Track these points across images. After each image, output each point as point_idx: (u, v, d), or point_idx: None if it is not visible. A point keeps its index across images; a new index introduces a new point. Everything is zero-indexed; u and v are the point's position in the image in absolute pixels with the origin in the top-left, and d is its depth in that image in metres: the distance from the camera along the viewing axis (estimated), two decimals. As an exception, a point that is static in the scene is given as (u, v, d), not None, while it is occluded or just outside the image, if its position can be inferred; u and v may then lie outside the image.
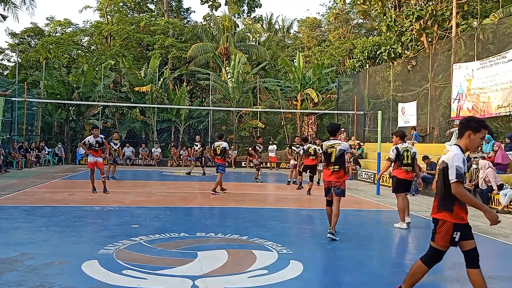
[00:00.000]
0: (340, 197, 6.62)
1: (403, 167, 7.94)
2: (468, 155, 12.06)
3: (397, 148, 7.96)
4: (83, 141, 11.99)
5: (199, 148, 17.96)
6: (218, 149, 11.76)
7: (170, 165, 23.47)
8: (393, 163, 8.08)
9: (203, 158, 18.50)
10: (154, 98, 25.33)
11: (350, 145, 19.33)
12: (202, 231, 6.85)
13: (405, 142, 8.21)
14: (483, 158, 11.23)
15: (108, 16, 35.93)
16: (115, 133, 16.60)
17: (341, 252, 5.94)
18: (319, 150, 11.33)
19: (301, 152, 13.33)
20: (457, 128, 16.23)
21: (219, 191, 11.88)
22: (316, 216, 9.17)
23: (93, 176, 11.35)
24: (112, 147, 15.00)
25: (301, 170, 13.40)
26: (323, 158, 7.02)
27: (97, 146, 11.35)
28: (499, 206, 10.01)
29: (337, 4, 29.17)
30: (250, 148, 17.46)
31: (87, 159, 12.66)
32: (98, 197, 10.46)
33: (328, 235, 6.56)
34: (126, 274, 4.58)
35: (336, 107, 26.37)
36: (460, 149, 3.67)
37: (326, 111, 24.57)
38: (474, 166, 11.16)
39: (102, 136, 11.81)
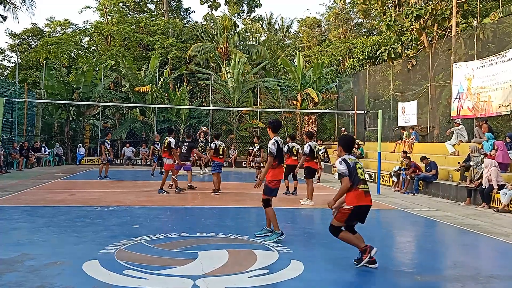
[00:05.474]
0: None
1: (314, 160, 10.51)
2: (468, 154, 12.05)
3: (310, 145, 10.29)
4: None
5: (161, 147, 17.66)
6: (221, 148, 11.96)
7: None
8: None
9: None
10: (154, 98, 25.31)
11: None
12: (203, 231, 6.84)
13: (314, 141, 10.86)
14: (487, 156, 11.17)
15: (108, 16, 35.94)
16: (108, 134, 17.05)
17: (342, 252, 5.93)
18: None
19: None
20: (457, 127, 16.23)
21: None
22: (316, 216, 9.17)
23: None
24: (106, 147, 15.27)
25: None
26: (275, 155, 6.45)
27: None
28: (499, 205, 10.00)
29: (337, 3, 29.16)
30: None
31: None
32: (99, 197, 10.46)
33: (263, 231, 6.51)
34: (126, 274, 4.58)
35: (336, 107, 26.34)
36: None
37: (326, 111, 24.55)
38: (472, 164, 11.13)
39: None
